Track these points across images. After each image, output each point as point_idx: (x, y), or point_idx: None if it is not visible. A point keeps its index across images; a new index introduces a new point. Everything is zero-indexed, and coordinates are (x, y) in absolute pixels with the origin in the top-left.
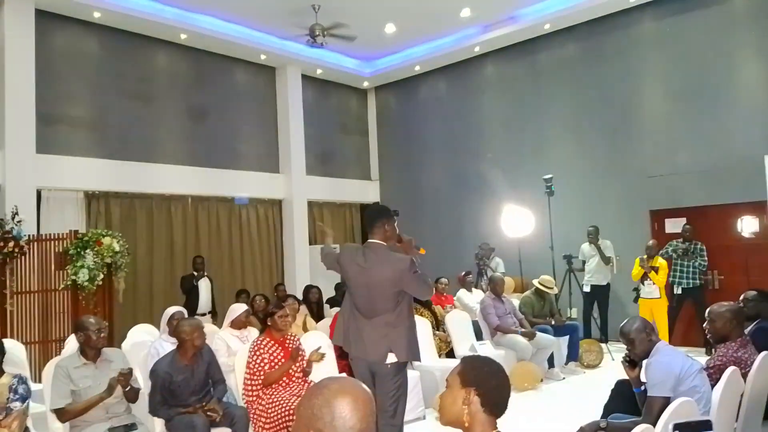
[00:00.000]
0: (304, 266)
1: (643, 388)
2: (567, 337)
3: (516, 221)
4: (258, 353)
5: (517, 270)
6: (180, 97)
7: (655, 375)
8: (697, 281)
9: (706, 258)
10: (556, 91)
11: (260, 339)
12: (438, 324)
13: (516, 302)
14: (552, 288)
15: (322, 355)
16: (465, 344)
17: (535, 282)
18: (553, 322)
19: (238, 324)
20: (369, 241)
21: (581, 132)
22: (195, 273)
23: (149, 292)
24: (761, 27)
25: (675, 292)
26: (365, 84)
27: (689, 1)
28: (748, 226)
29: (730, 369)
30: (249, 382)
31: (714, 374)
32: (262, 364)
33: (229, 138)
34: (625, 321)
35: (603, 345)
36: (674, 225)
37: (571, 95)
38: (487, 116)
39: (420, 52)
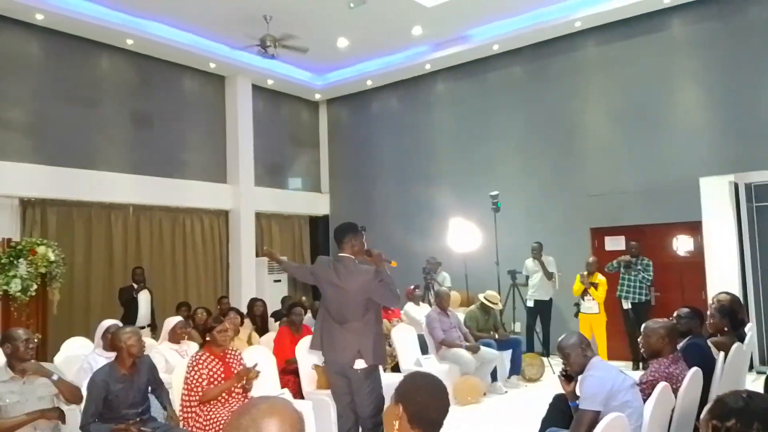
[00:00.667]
0: (250, 279)
1: (578, 402)
2: (510, 351)
3: (463, 236)
4: (196, 369)
5: (464, 284)
6: (124, 104)
7: (588, 389)
8: (644, 296)
9: (651, 273)
10: (504, 110)
11: (199, 354)
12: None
13: (462, 316)
14: (497, 303)
15: (257, 373)
16: (410, 358)
17: (481, 297)
18: (496, 336)
19: (175, 337)
20: (339, 255)
21: (527, 150)
22: (134, 285)
23: (86, 304)
24: (698, 54)
25: (624, 308)
26: (317, 96)
27: (632, 27)
28: (683, 245)
29: (661, 384)
30: (186, 398)
31: (646, 389)
32: (200, 380)
33: (174, 146)
34: (563, 336)
35: (545, 359)
36: (614, 242)
37: (518, 115)
38: (437, 132)
39: (372, 67)
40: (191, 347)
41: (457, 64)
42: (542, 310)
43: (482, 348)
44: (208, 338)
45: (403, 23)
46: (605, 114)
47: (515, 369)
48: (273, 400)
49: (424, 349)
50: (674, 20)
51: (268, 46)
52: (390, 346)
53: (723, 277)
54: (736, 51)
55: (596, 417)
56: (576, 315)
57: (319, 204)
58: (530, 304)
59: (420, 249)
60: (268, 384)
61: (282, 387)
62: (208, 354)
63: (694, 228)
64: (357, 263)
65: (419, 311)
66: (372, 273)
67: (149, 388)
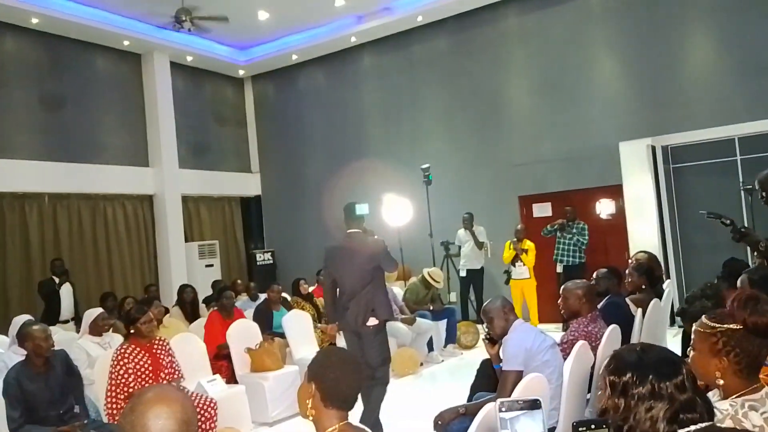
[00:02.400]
0: (180, 264)
1: (501, 364)
2: (445, 320)
3: (396, 210)
4: (121, 362)
5: (399, 258)
6: (32, 86)
7: (509, 350)
8: (576, 259)
9: (586, 236)
10: (431, 83)
11: (124, 346)
12: (320, 316)
13: (398, 290)
14: (439, 282)
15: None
16: None
17: (425, 272)
18: (431, 308)
19: (97, 329)
20: (348, 231)
21: (454, 123)
22: (54, 277)
23: (3, 299)
24: (613, 23)
25: (557, 271)
26: (241, 73)
27: None
28: (605, 208)
29: (579, 343)
30: (111, 395)
31: (566, 349)
32: (126, 375)
33: (90, 130)
34: (487, 301)
35: (479, 326)
36: (541, 209)
37: (444, 87)
38: (365, 107)
39: (296, 41)
40: (115, 339)
41: (383, 37)
42: (475, 279)
43: (418, 320)
44: (132, 330)
45: None
46: (527, 84)
47: (451, 338)
48: (159, 388)
49: None
50: None
51: (183, 21)
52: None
53: (643, 237)
54: (651, 18)
55: (519, 376)
56: (507, 282)
57: (249, 184)
58: (463, 274)
59: None
60: (198, 371)
61: (214, 373)
62: (134, 346)
63: (616, 191)
64: (366, 236)
65: None
66: (383, 243)
67: (70, 383)
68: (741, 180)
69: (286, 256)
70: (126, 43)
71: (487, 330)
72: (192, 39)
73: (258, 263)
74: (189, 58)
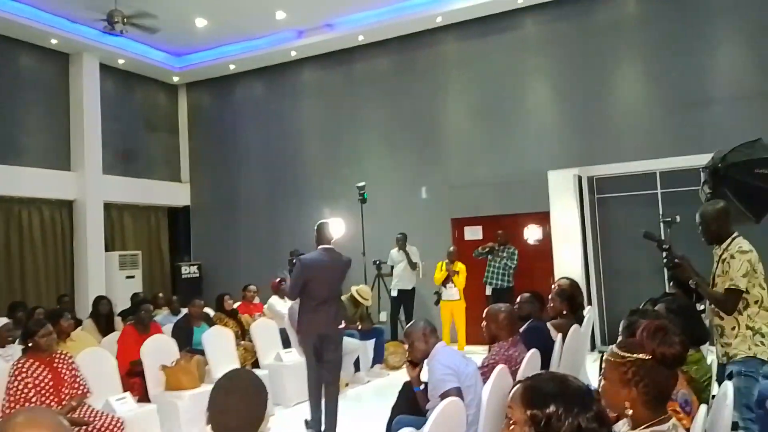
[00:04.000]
0: (99, 275)
1: (422, 387)
2: (373, 340)
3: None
4: (19, 377)
5: None
6: None
7: (438, 374)
8: (505, 282)
9: (515, 261)
10: (371, 102)
11: (21, 361)
12: (244, 333)
13: None
14: (367, 300)
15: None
16: (271, 353)
17: (353, 290)
18: (359, 327)
19: (1, 341)
20: (327, 246)
21: (393, 142)
22: None
23: None
24: (549, 53)
25: (486, 293)
26: (175, 79)
27: (488, 25)
28: (533, 234)
29: (499, 367)
30: (9, 412)
31: (486, 373)
32: (24, 391)
33: (8, 129)
34: (409, 323)
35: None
36: (473, 232)
37: (384, 106)
38: (304, 122)
39: (235, 51)
40: (18, 352)
41: (324, 53)
42: (406, 299)
43: (345, 339)
44: (30, 344)
45: (265, 6)
46: (465, 109)
47: (378, 358)
48: (32, 412)
49: (286, 344)
50: (527, 20)
51: (115, 22)
52: (250, 341)
53: (568, 263)
54: (583, 51)
55: (459, 391)
56: (437, 303)
57: (179, 194)
58: (394, 293)
59: (288, 241)
60: (107, 388)
61: (127, 390)
62: (32, 360)
63: (544, 218)
64: (338, 252)
65: (284, 305)
66: (350, 261)
67: None
68: (661, 212)
69: (213, 269)
70: (54, 41)
71: (407, 351)
72: (125, 42)
73: (183, 276)
74: (121, 61)
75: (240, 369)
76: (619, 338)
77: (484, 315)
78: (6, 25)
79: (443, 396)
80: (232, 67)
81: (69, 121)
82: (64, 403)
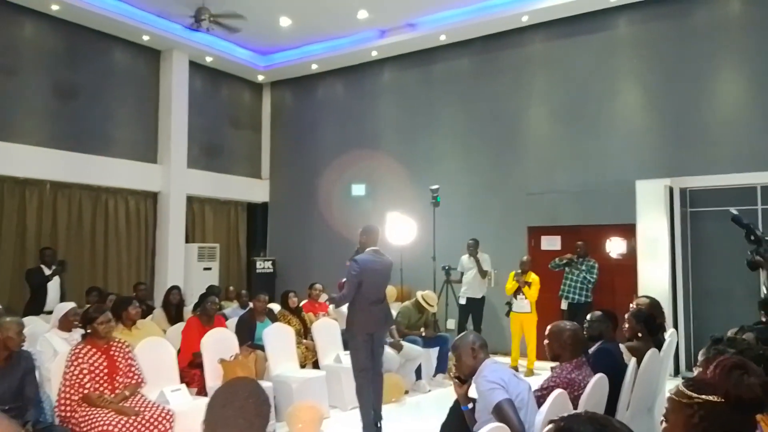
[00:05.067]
0: (178, 265)
1: (470, 406)
2: (437, 348)
3: (400, 229)
4: (75, 363)
5: (398, 278)
6: (46, 73)
7: (486, 386)
8: (582, 297)
9: (595, 275)
10: (449, 103)
11: (79, 347)
12: (306, 332)
13: (395, 311)
14: (433, 306)
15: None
16: (331, 354)
17: (419, 295)
18: (423, 334)
19: (66, 324)
20: (376, 248)
21: (469, 145)
22: (44, 266)
23: None
24: (642, 55)
25: (561, 308)
26: (260, 78)
27: (578, 24)
28: (616, 247)
29: (557, 392)
30: (65, 395)
31: (543, 396)
32: (80, 375)
33: (100, 122)
34: (459, 336)
35: None
36: (550, 242)
37: (462, 108)
38: (381, 122)
39: (317, 50)
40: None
41: (404, 53)
42: (474, 308)
43: (406, 345)
44: (89, 330)
45: (348, 5)
46: (548, 112)
47: (441, 367)
48: None
49: (347, 345)
50: (620, 20)
51: (202, 20)
52: (312, 340)
53: (654, 280)
54: (680, 54)
55: (512, 403)
56: (507, 314)
57: (258, 190)
58: (462, 301)
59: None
60: (164, 379)
61: (187, 381)
62: (89, 347)
63: (629, 231)
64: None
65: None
66: (390, 260)
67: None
68: (761, 229)
69: (287, 266)
70: (146, 38)
71: (455, 367)
72: (213, 40)
73: (258, 271)
74: (208, 59)
75: (241, 378)
76: (696, 371)
77: (546, 332)
78: (102, 20)
79: (495, 411)
80: (314, 66)
81: (157, 116)
82: (117, 391)
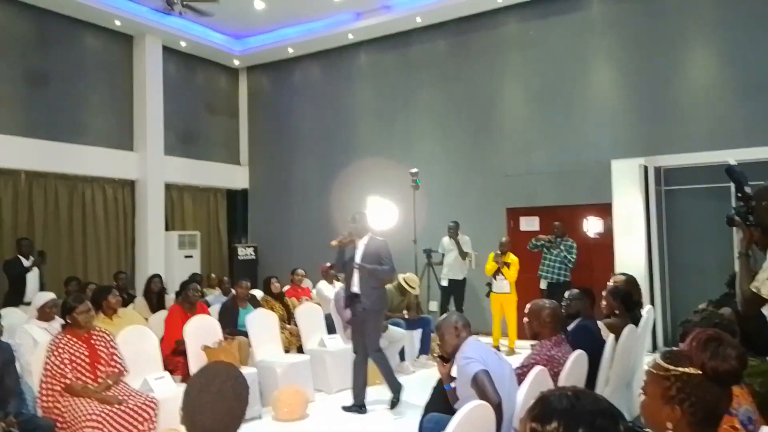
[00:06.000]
0: (158, 253)
1: (453, 385)
2: (420, 330)
3: (381, 213)
4: (56, 353)
5: None
6: (16, 60)
7: (463, 361)
8: (561, 277)
9: (574, 254)
10: (426, 86)
11: (59, 336)
12: (290, 317)
13: None
14: (414, 288)
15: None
16: (315, 338)
17: (400, 277)
18: (406, 316)
19: (45, 315)
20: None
21: (447, 128)
22: (21, 257)
23: None
24: (615, 34)
25: (541, 287)
26: (236, 63)
27: (551, 5)
28: (593, 226)
29: (537, 369)
30: (47, 386)
31: (524, 374)
32: (61, 366)
33: (75, 109)
34: (441, 316)
35: None
36: (528, 223)
37: (439, 91)
38: (359, 106)
39: (293, 34)
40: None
41: (380, 36)
42: (456, 289)
43: (390, 328)
44: (68, 320)
45: None
46: (523, 93)
47: (425, 349)
48: None
49: (331, 329)
50: (593, 0)
51: (174, 3)
52: (296, 325)
53: (631, 258)
54: (651, 34)
55: (488, 374)
56: (488, 295)
57: (237, 177)
58: (444, 283)
59: (340, 225)
60: (147, 367)
61: (171, 369)
62: (69, 336)
63: (605, 210)
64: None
65: (332, 290)
66: None
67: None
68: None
69: (269, 251)
70: (117, 23)
71: (438, 346)
72: (186, 24)
73: (239, 258)
74: (183, 44)
75: (219, 363)
76: (680, 346)
77: (526, 310)
78: (72, 5)
79: (472, 382)
80: (290, 50)
81: (132, 103)
82: (99, 380)
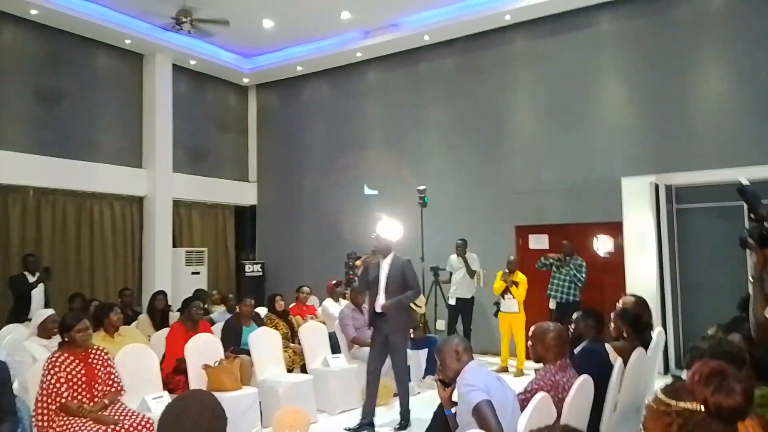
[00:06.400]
0: (166, 270)
1: (454, 410)
2: (426, 350)
3: (388, 230)
4: (52, 372)
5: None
6: (28, 78)
7: (465, 388)
8: (571, 296)
9: (583, 273)
10: (435, 103)
11: (56, 355)
12: (294, 336)
13: None
14: (421, 307)
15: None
16: (319, 357)
17: None
18: (412, 335)
19: (46, 332)
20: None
21: (456, 145)
22: (27, 273)
23: None
24: (625, 50)
25: (550, 307)
26: (245, 80)
27: (560, 22)
28: (603, 245)
29: (539, 395)
30: (42, 405)
31: (526, 400)
32: (57, 385)
33: (84, 127)
34: (443, 339)
35: None
36: (537, 241)
37: (448, 108)
38: (368, 123)
39: (302, 52)
40: None
41: (389, 54)
42: (464, 308)
43: None
44: (66, 338)
45: (330, 6)
46: (533, 110)
47: (431, 369)
48: None
49: (335, 349)
50: (603, 16)
51: (183, 22)
52: (300, 344)
53: (642, 278)
54: (663, 50)
55: (492, 404)
56: (496, 314)
57: (246, 194)
58: (452, 302)
59: (349, 242)
60: (146, 386)
61: (172, 388)
62: (66, 355)
63: (616, 228)
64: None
65: (337, 308)
66: None
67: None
68: (746, 225)
69: (276, 268)
70: (127, 41)
71: (438, 370)
72: (196, 43)
73: (247, 274)
74: (192, 62)
75: (195, 392)
76: (685, 373)
77: (530, 333)
78: (83, 25)
79: (474, 412)
80: (299, 68)
81: (142, 120)
82: (96, 399)
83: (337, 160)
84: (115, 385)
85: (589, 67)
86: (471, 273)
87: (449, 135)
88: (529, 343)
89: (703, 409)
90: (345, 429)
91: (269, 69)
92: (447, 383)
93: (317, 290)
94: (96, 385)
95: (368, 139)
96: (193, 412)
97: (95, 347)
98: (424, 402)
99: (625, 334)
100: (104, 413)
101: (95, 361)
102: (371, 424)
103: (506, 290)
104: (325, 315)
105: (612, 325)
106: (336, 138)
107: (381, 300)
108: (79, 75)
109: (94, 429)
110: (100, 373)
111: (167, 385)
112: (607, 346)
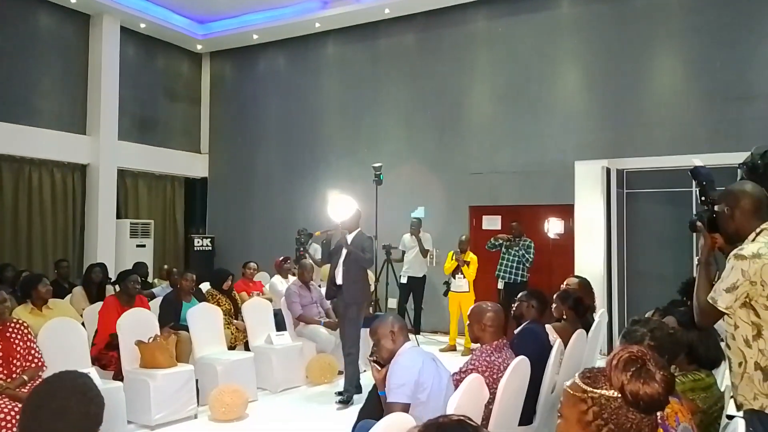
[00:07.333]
0: (109, 242)
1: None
2: None
3: (341, 207)
4: None
5: None
6: None
7: (394, 379)
8: (519, 277)
9: (532, 254)
10: (393, 80)
11: None
12: (237, 312)
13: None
14: (371, 285)
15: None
16: (262, 335)
17: None
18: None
19: None
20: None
21: (413, 124)
22: None
23: None
24: (583, 36)
25: (498, 287)
26: (199, 47)
27: (521, 3)
28: (553, 227)
29: (472, 376)
30: None
31: (461, 380)
32: None
33: (24, 89)
34: (378, 319)
35: (413, 336)
36: (491, 222)
37: (407, 85)
38: (324, 98)
39: (258, 20)
40: None
41: (349, 26)
42: (415, 286)
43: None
44: None
45: None
46: (489, 91)
47: None
48: None
49: (280, 326)
50: (563, 0)
51: None
52: (243, 321)
53: (589, 261)
54: (620, 38)
55: (406, 409)
56: (446, 293)
57: (197, 165)
58: (403, 280)
59: (302, 218)
60: (74, 361)
61: (104, 364)
62: None
63: (567, 211)
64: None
65: (286, 285)
66: None
67: None
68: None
69: (226, 243)
70: (73, 0)
71: (373, 351)
72: (146, 5)
73: (196, 248)
74: (142, 25)
75: (65, 373)
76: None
77: (468, 313)
78: None
79: (387, 408)
80: (255, 37)
81: (86, 84)
82: (14, 375)
83: (292, 134)
84: (36, 361)
85: (547, 51)
86: (424, 252)
87: (407, 113)
88: (467, 322)
89: (619, 396)
90: (336, 393)
91: (224, 36)
92: (382, 364)
93: (268, 267)
94: (14, 361)
95: (324, 114)
96: (59, 396)
97: (14, 320)
98: (371, 379)
99: (564, 316)
100: (23, 390)
101: (14, 336)
102: (358, 387)
103: (457, 270)
104: (273, 292)
105: (553, 305)
106: (291, 112)
107: (340, 272)
108: (19, 34)
109: (11, 406)
110: (19, 348)
111: (99, 362)
112: (548, 327)
